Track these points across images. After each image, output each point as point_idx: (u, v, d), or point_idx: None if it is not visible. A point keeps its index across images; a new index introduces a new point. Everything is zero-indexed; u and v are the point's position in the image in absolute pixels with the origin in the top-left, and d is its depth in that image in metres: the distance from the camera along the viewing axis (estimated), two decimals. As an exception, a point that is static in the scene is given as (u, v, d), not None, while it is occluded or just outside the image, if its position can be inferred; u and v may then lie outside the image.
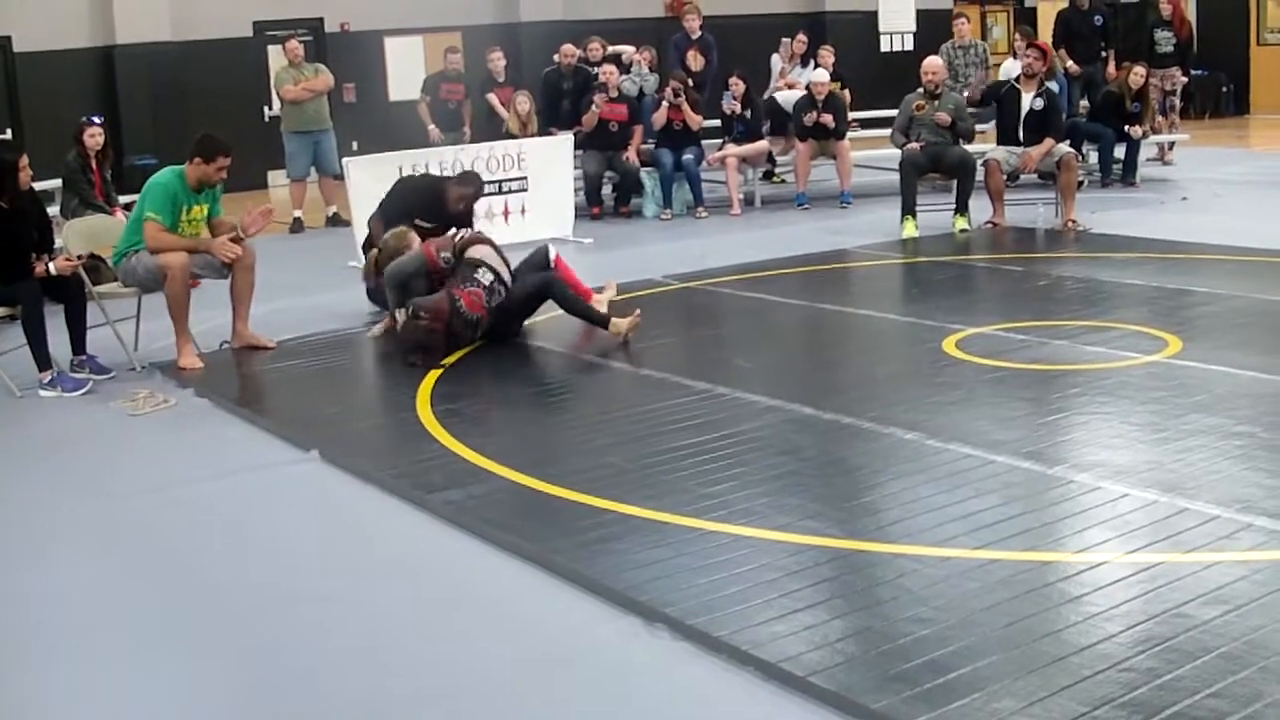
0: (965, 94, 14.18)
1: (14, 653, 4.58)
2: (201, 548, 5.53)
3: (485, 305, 8.34)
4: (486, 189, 11.57)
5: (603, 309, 8.74)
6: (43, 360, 7.99)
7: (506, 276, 8.55)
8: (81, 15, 17.57)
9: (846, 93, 15.52)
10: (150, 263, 8.40)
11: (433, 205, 9.54)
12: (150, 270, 8.43)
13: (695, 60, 15.66)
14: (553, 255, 8.96)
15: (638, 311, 8.41)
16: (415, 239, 8.93)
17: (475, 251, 8.56)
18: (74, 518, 5.91)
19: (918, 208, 12.15)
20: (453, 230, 8.97)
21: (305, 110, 14.46)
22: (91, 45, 17.62)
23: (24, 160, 8.36)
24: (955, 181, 12.47)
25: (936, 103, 12.46)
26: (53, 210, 12.12)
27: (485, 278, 8.39)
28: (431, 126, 15.15)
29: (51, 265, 8.15)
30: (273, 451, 6.76)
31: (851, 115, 15.07)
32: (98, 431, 7.31)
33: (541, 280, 8.59)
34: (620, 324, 8.34)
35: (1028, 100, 12.37)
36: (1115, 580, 4.52)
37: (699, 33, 15.85)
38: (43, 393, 7.94)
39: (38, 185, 12.91)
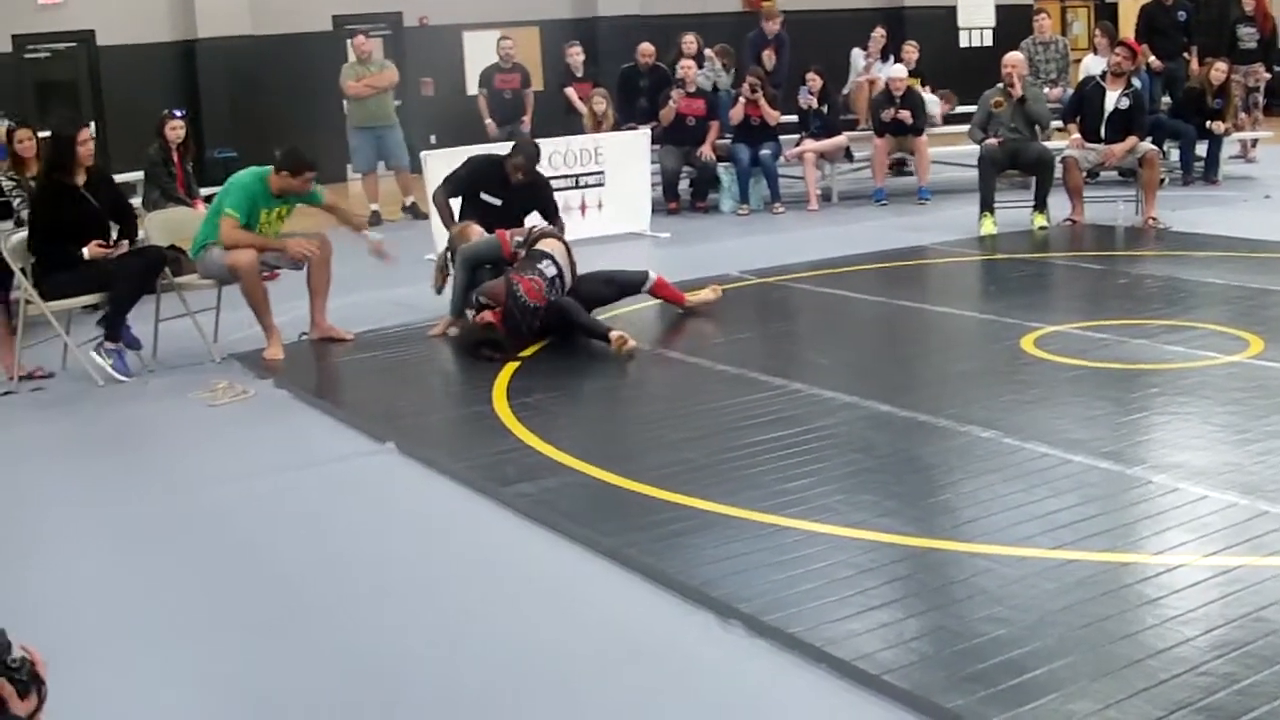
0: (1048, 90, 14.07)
1: (91, 643, 4.63)
2: (277, 538, 5.59)
3: (544, 295, 8.34)
4: (563, 183, 11.73)
5: (699, 302, 9.21)
6: (113, 332, 8.23)
7: (568, 277, 8.58)
8: (163, 10, 17.84)
9: (927, 89, 15.43)
10: (221, 258, 8.51)
11: (496, 179, 9.61)
12: (221, 265, 8.55)
13: (769, 59, 15.63)
14: (653, 279, 9.08)
15: (633, 343, 8.07)
16: (476, 230, 9.03)
17: (545, 245, 8.63)
18: (151, 508, 5.98)
19: (996, 204, 12.08)
20: (530, 226, 9.07)
21: (366, 106, 14.61)
22: (173, 39, 17.88)
23: (85, 134, 8.47)
24: (1034, 178, 12.38)
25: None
26: (135, 202, 12.32)
27: (549, 270, 8.42)
28: (488, 121, 15.24)
29: (85, 250, 8.23)
30: (349, 443, 6.81)
31: (936, 110, 14.98)
32: (176, 422, 7.41)
33: (562, 303, 8.40)
34: (618, 340, 8.06)
35: (1112, 99, 12.21)
36: (1194, 583, 4.46)
37: (777, 31, 15.85)
38: (93, 354, 8.20)
39: (122, 177, 13.18)
